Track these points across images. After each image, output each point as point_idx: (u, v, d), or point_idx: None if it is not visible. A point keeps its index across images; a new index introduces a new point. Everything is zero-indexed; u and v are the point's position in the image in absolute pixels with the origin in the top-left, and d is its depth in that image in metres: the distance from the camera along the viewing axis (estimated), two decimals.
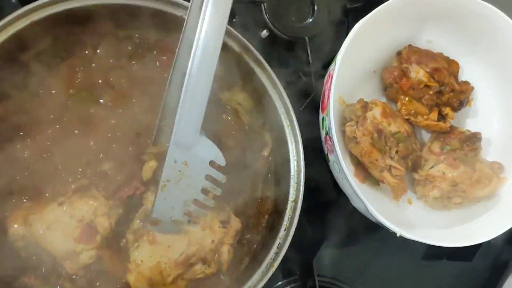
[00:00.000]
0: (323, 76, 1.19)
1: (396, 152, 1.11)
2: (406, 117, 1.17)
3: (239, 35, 1.02)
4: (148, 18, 1.03)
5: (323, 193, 1.22)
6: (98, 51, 1.06)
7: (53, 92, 1.01)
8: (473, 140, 1.20)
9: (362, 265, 1.24)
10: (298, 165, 1.02)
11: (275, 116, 1.06)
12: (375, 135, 1.09)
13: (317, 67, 1.26)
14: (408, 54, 1.19)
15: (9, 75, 0.98)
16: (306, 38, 1.23)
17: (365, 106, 1.13)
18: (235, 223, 1.00)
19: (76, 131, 1.00)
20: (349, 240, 1.25)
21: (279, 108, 1.05)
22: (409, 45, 1.21)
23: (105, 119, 1.01)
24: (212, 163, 0.92)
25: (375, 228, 1.13)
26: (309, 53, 1.22)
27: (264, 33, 1.22)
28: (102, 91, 1.03)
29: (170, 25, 1.03)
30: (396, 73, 1.19)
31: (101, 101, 1.03)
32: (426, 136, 1.25)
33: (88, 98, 1.03)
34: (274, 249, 0.98)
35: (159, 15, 1.02)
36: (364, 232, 1.25)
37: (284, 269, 1.19)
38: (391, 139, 1.11)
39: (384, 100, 1.21)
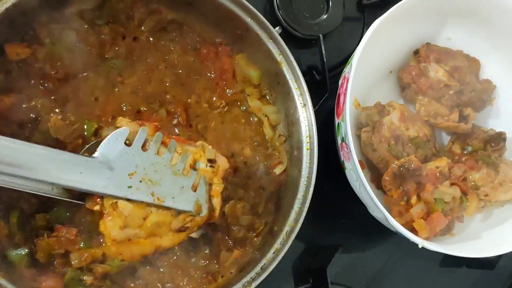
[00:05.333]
0: (337, 74, 1.14)
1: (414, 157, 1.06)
2: (426, 119, 1.12)
3: (285, 46, 1.02)
4: (203, 6, 1.02)
5: (338, 199, 1.18)
6: (142, 27, 1.05)
7: (87, 50, 1.00)
8: (497, 140, 1.15)
9: (376, 272, 1.20)
10: (306, 191, 0.98)
11: (297, 137, 1.03)
12: (392, 142, 1.05)
13: (331, 65, 1.21)
14: (427, 53, 1.14)
15: (48, 22, 0.97)
16: (320, 35, 1.18)
17: (382, 111, 1.09)
18: (223, 162, 0.94)
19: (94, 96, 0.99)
20: (363, 246, 1.21)
21: (303, 131, 1.01)
22: (427, 43, 1.16)
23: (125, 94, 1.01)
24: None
25: (390, 233, 1.09)
26: (323, 51, 1.17)
27: (277, 30, 1.17)
28: (133, 67, 1.02)
29: (224, 22, 1.03)
30: (414, 72, 1.14)
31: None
32: (446, 138, 1.21)
33: (119, 67, 1.01)
34: (256, 269, 0.93)
35: (213, 5, 1.01)
36: (379, 238, 1.22)
37: (297, 276, 1.15)
38: (409, 144, 1.07)
39: (401, 101, 1.16)
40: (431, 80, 1.13)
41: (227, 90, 1.07)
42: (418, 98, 1.14)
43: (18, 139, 0.87)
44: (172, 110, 1.03)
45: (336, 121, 1.05)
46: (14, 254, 0.90)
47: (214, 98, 1.06)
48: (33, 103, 0.95)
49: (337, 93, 1.07)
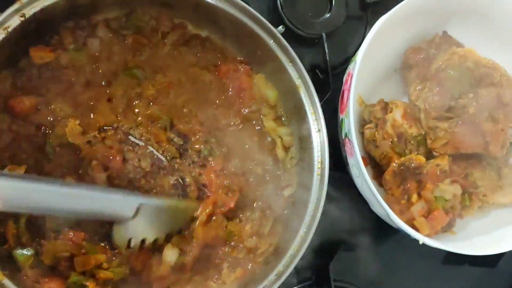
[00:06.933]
0: (340, 73, 1.15)
1: (417, 155, 1.06)
2: (416, 103, 1.10)
3: (304, 71, 1.02)
4: (227, 24, 1.03)
5: (341, 195, 1.18)
6: (166, 40, 1.07)
7: (109, 59, 1.02)
8: None
9: (379, 269, 1.21)
10: (314, 216, 0.98)
11: (309, 161, 1.03)
12: (395, 139, 1.06)
13: (334, 64, 1.22)
14: (441, 41, 1.13)
15: (74, 28, 1.00)
16: (323, 34, 1.18)
17: (385, 108, 1.09)
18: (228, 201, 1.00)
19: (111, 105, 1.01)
20: (366, 243, 1.21)
21: (316, 156, 1.01)
22: (445, 32, 1.15)
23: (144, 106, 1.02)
24: None
25: (393, 231, 1.09)
26: (326, 50, 1.18)
27: (280, 29, 1.18)
28: (152, 77, 1.04)
29: (246, 42, 1.04)
30: (421, 55, 1.12)
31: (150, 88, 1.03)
32: None
33: (138, 76, 1.03)
34: None
35: (237, 25, 1.02)
36: (381, 236, 1.22)
37: (299, 274, 1.16)
38: (412, 142, 1.07)
39: (405, 99, 1.16)
40: (434, 69, 1.10)
41: (243, 108, 1.08)
42: (414, 82, 1.12)
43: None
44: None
45: (340, 116, 1.06)
46: (20, 253, 0.91)
47: (230, 116, 1.06)
48: (52, 106, 0.97)
49: (342, 89, 1.07)
